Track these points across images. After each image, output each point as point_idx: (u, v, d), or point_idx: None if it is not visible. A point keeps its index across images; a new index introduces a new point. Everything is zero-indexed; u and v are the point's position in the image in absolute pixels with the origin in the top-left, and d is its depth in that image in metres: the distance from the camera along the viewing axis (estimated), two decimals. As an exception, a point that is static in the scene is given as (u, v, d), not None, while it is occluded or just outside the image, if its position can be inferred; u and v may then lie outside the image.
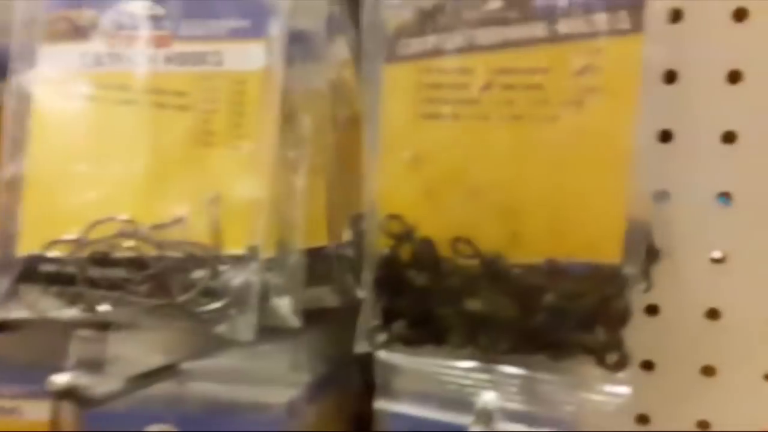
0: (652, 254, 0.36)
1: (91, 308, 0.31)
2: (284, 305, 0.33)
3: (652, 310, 0.41)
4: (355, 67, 0.36)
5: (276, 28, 0.32)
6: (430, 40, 0.30)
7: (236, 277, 0.31)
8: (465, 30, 0.30)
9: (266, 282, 0.33)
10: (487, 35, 0.30)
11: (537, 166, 0.30)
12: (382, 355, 0.33)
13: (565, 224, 0.30)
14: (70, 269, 0.31)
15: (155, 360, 0.35)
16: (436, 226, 0.31)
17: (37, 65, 0.33)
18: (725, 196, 0.39)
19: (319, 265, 0.35)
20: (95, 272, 0.31)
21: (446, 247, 0.31)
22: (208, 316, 0.31)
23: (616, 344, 0.30)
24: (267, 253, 0.33)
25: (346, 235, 0.36)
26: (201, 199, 0.31)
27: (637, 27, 0.28)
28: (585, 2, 0.29)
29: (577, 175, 0.30)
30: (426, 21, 0.30)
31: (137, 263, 0.31)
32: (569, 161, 0.30)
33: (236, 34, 0.32)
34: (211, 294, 0.31)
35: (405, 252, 0.31)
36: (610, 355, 0.30)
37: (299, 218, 0.34)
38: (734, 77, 0.38)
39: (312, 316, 0.35)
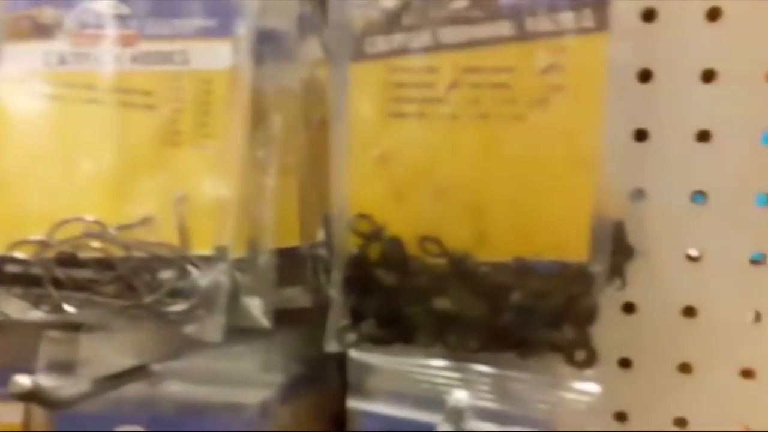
0: (626, 252, 0.36)
1: (56, 309, 0.31)
2: (255, 306, 0.33)
3: (628, 308, 0.41)
4: (328, 66, 0.36)
5: (243, 27, 0.31)
6: (396, 39, 0.30)
7: (204, 278, 0.31)
8: (431, 29, 0.30)
9: (236, 282, 0.33)
10: (453, 34, 0.30)
11: (504, 165, 0.30)
12: (355, 354, 0.33)
13: (532, 223, 0.30)
14: (36, 270, 0.31)
15: (127, 361, 0.35)
16: (404, 225, 0.31)
17: (-1, 65, 0.33)
18: (700, 195, 0.39)
19: (291, 265, 0.35)
20: (61, 273, 0.31)
21: (415, 246, 0.31)
22: (175, 317, 0.31)
23: (584, 341, 0.30)
24: (237, 253, 0.32)
25: (320, 235, 0.36)
26: (168, 199, 0.31)
27: (601, 25, 0.28)
28: (550, 1, 0.29)
29: (543, 173, 0.30)
30: (392, 20, 0.30)
31: (104, 264, 0.31)
32: (536, 160, 0.30)
33: (203, 33, 0.31)
34: (179, 295, 0.31)
35: (374, 251, 0.31)
36: (579, 353, 0.30)
37: (270, 218, 0.33)
38: (708, 76, 0.38)
39: (288, 316, 0.35)
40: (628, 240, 0.36)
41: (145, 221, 0.31)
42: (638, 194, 0.40)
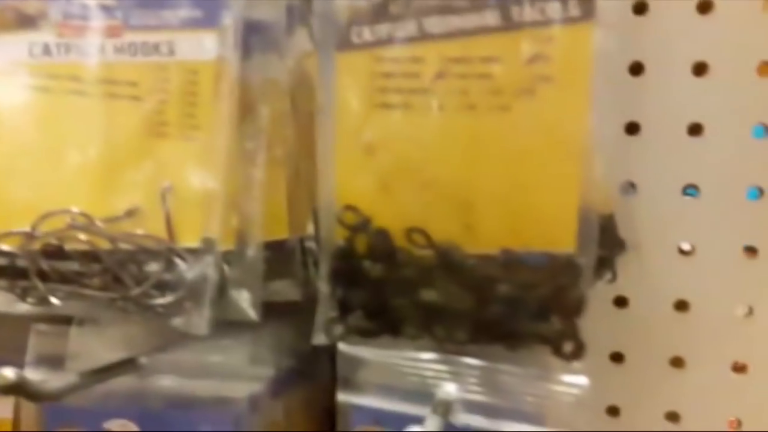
0: (617, 246, 0.36)
1: (42, 302, 0.31)
2: (243, 299, 0.33)
3: (620, 302, 0.41)
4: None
5: (229, 18, 0.31)
6: (382, 29, 0.30)
7: (191, 270, 0.31)
8: (417, 18, 0.30)
9: (224, 275, 0.32)
10: (439, 24, 0.30)
11: (491, 156, 0.30)
12: (345, 348, 0.33)
13: (519, 214, 0.30)
14: (22, 262, 0.31)
15: (115, 355, 0.35)
16: (391, 216, 0.31)
17: (-17, 56, 0.33)
18: (692, 188, 0.39)
19: (279, 258, 0.35)
20: (47, 265, 0.31)
21: (402, 238, 0.31)
22: (162, 310, 0.31)
23: (572, 333, 0.30)
24: (224, 245, 0.32)
25: (309, 228, 0.35)
26: (155, 191, 0.31)
27: (587, 14, 0.28)
28: (535, -10, 0.28)
29: (530, 164, 0.30)
30: (378, 9, 0.30)
31: (90, 256, 0.31)
32: (522, 151, 0.30)
33: (188, 24, 0.31)
34: (165, 287, 0.31)
35: (361, 243, 0.31)
36: (567, 345, 0.30)
37: (258, 211, 0.33)
38: (700, 69, 0.38)
39: (279, 310, 0.35)
40: (620, 234, 0.36)
41: (132, 213, 0.31)
42: (629, 188, 0.40)
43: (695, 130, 0.38)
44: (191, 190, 0.31)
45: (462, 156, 0.30)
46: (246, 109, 0.33)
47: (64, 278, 0.31)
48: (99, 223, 0.31)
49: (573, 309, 0.30)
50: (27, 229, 0.31)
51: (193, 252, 0.31)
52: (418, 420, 0.30)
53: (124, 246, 0.31)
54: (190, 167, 0.31)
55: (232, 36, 0.31)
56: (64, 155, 0.31)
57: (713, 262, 0.39)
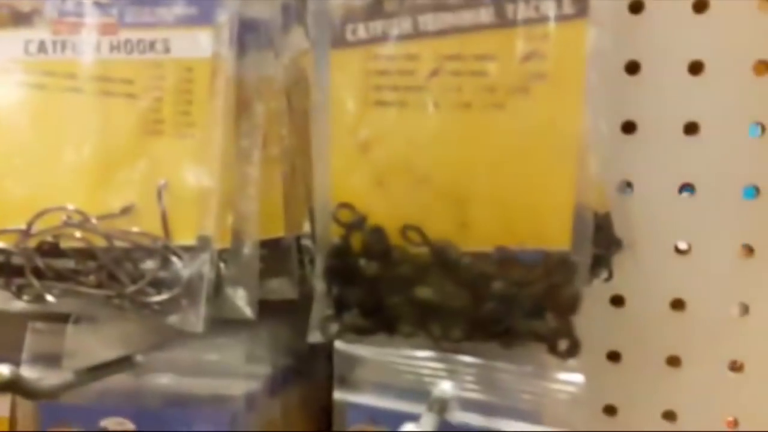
0: (613, 245, 0.36)
1: (38, 299, 0.31)
2: (239, 297, 0.33)
3: (616, 301, 0.41)
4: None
5: (224, 15, 0.31)
6: (377, 26, 0.30)
7: (187, 268, 0.31)
8: (412, 16, 0.30)
9: (220, 273, 0.32)
10: (433, 21, 0.30)
11: (485, 154, 0.30)
12: (341, 346, 0.33)
13: (514, 212, 0.30)
14: (17, 260, 0.31)
15: (112, 353, 0.35)
16: (386, 214, 0.31)
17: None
18: (688, 187, 0.39)
19: (276, 256, 0.35)
20: (43, 263, 0.31)
21: (397, 236, 0.31)
22: (158, 307, 0.31)
23: (567, 331, 0.30)
24: (220, 243, 0.32)
25: (306, 227, 0.35)
26: (150, 189, 0.31)
27: (581, 12, 0.28)
28: (529, -13, 0.28)
29: (525, 162, 0.30)
30: (373, 6, 0.30)
31: (86, 254, 0.31)
32: (517, 148, 0.30)
33: (183, 21, 0.31)
34: (161, 285, 0.31)
35: (356, 241, 0.31)
36: (562, 342, 0.30)
37: (253, 208, 0.33)
38: (696, 68, 0.38)
39: (276, 308, 0.35)
40: (616, 232, 0.36)
41: (127, 210, 0.31)
42: (626, 186, 0.40)
43: (691, 128, 0.38)
44: (187, 188, 0.31)
45: (457, 153, 0.30)
46: (241, 107, 0.33)
47: (60, 276, 0.31)
48: (94, 221, 0.31)
49: (568, 307, 0.30)
50: (22, 226, 0.31)
51: (189, 250, 0.31)
52: (414, 418, 0.30)
53: (119, 243, 0.31)
54: (186, 165, 0.31)
55: (227, 33, 0.31)
56: (59, 153, 0.31)
57: (709, 260, 0.39)
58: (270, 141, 0.34)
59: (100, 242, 0.31)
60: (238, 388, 0.35)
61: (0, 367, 0.27)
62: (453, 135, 0.30)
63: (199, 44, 0.31)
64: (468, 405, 0.31)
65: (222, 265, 0.33)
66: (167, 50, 0.31)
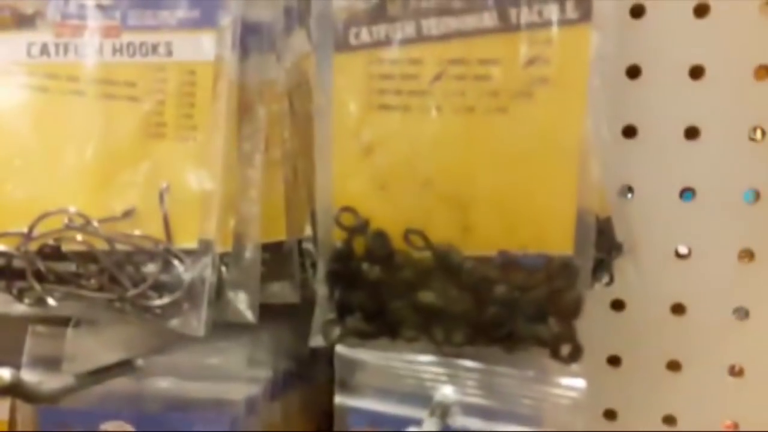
0: (613, 248, 0.36)
1: (39, 303, 0.31)
2: (240, 300, 0.33)
3: (617, 305, 0.41)
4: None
5: (227, 19, 0.31)
6: (380, 30, 0.30)
7: (189, 272, 0.31)
8: (415, 20, 0.30)
9: (221, 277, 0.32)
10: (437, 25, 0.30)
11: (489, 158, 0.30)
12: (342, 350, 0.33)
13: (517, 216, 0.30)
14: (18, 263, 0.31)
15: (113, 356, 0.34)
16: (389, 218, 0.31)
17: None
18: (689, 191, 0.39)
19: (277, 259, 0.35)
20: (44, 266, 0.31)
21: (399, 240, 0.31)
22: (159, 311, 0.31)
23: (569, 335, 0.30)
24: (222, 247, 0.32)
25: (308, 230, 0.35)
26: (152, 192, 0.31)
27: (585, 17, 0.28)
28: (532, -8, 0.29)
29: (528, 166, 0.30)
30: (376, 10, 0.30)
31: (87, 257, 0.31)
32: (520, 152, 0.30)
33: (186, 24, 0.31)
34: (163, 288, 0.31)
35: (359, 245, 0.31)
36: (564, 347, 0.30)
37: (255, 212, 0.33)
38: (697, 73, 0.38)
39: (277, 311, 0.35)
40: (617, 236, 0.36)
41: (129, 214, 0.31)
42: (626, 190, 0.40)
43: (692, 133, 0.38)
44: (189, 191, 0.31)
45: (460, 158, 0.30)
46: (243, 110, 0.33)
47: (61, 279, 0.31)
48: (96, 224, 0.31)
49: (570, 311, 0.30)
50: (24, 229, 0.31)
51: (191, 253, 0.31)
52: (416, 423, 0.30)
53: (121, 247, 0.31)
54: (188, 168, 0.31)
55: (230, 36, 0.31)
56: (61, 155, 0.31)
57: (710, 265, 0.39)
58: (272, 144, 0.34)
59: (101, 245, 0.31)
60: (238, 392, 0.35)
61: (1, 371, 0.27)
62: (456, 139, 0.30)
63: (202, 47, 0.31)
64: (469, 409, 0.31)
65: (223, 268, 0.33)
66: (170, 53, 0.31)
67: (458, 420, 0.31)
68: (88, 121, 0.31)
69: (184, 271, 0.31)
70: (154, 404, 0.35)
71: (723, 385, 0.40)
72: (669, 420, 0.41)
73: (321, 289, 0.32)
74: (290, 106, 0.35)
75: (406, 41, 0.30)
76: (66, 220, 0.31)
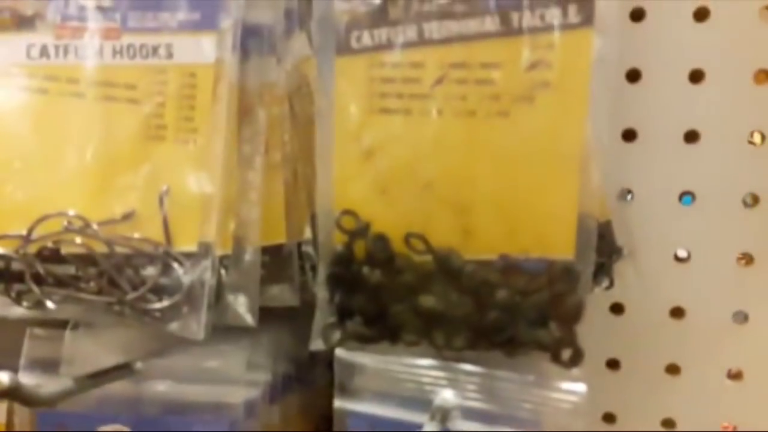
0: (613, 252, 0.36)
1: (37, 305, 0.31)
2: (240, 303, 0.33)
3: (616, 309, 0.41)
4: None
5: (227, 21, 0.31)
6: (382, 34, 0.30)
7: (188, 275, 0.31)
8: (417, 23, 0.30)
9: (221, 280, 0.32)
10: (439, 29, 0.30)
11: (490, 162, 0.30)
12: (342, 354, 0.33)
13: (518, 220, 0.30)
14: (17, 265, 0.30)
15: (112, 360, 0.34)
16: (389, 221, 0.31)
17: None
18: (688, 195, 0.39)
19: (277, 262, 0.35)
20: (43, 269, 0.30)
21: (400, 243, 0.31)
22: (159, 314, 0.31)
23: (570, 340, 0.30)
24: (222, 250, 0.32)
25: (307, 233, 0.35)
26: (152, 195, 0.31)
27: (587, 21, 0.28)
28: (535, -4, 0.29)
29: (529, 170, 0.30)
30: (378, 14, 0.30)
31: (86, 260, 0.30)
32: (521, 156, 0.30)
33: (187, 27, 0.31)
34: (162, 291, 0.31)
35: (359, 248, 0.31)
36: (565, 351, 0.30)
37: (255, 215, 0.33)
38: (696, 76, 0.38)
39: (277, 315, 0.35)
40: (616, 240, 0.36)
41: (128, 216, 0.31)
42: (626, 194, 0.40)
43: (692, 137, 0.38)
44: (188, 194, 0.31)
45: (461, 161, 0.30)
46: (244, 113, 0.33)
47: (60, 282, 0.31)
48: (95, 227, 0.31)
49: (571, 315, 0.30)
50: (23, 232, 0.31)
51: (190, 256, 0.31)
52: (416, 427, 0.30)
53: (120, 250, 0.31)
54: (188, 171, 0.31)
55: (230, 39, 0.31)
56: (60, 158, 0.31)
57: (709, 269, 0.39)
58: (272, 147, 0.34)
59: (100, 248, 0.31)
60: (237, 395, 0.35)
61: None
62: (457, 143, 0.30)
63: (202, 50, 0.31)
64: (470, 413, 0.31)
65: (223, 271, 0.32)
66: (170, 55, 0.31)
67: (458, 424, 0.31)
68: (87, 123, 0.31)
69: (183, 274, 0.31)
70: (152, 407, 0.35)
71: (722, 389, 0.40)
72: (668, 423, 0.41)
73: (321, 293, 0.32)
74: (290, 108, 0.35)
75: (408, 45, 0.30)
76: (65, 223, 0.31)
